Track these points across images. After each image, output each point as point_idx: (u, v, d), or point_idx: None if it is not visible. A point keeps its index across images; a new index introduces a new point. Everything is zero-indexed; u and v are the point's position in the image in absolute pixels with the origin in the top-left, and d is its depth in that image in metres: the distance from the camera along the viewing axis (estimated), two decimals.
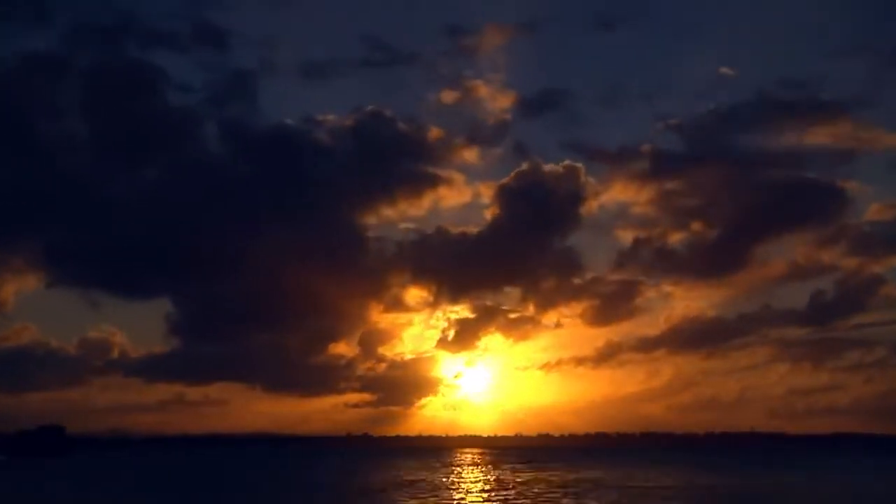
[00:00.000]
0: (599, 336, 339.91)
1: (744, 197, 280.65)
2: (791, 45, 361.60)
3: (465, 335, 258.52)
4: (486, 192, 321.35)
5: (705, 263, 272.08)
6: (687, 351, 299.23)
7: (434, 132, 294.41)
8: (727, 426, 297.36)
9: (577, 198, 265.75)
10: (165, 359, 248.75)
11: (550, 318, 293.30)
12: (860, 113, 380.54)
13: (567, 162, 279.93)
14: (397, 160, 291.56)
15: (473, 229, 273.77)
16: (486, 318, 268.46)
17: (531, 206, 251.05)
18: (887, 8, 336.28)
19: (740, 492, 71.72)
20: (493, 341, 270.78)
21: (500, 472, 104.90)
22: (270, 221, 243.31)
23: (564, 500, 61.24)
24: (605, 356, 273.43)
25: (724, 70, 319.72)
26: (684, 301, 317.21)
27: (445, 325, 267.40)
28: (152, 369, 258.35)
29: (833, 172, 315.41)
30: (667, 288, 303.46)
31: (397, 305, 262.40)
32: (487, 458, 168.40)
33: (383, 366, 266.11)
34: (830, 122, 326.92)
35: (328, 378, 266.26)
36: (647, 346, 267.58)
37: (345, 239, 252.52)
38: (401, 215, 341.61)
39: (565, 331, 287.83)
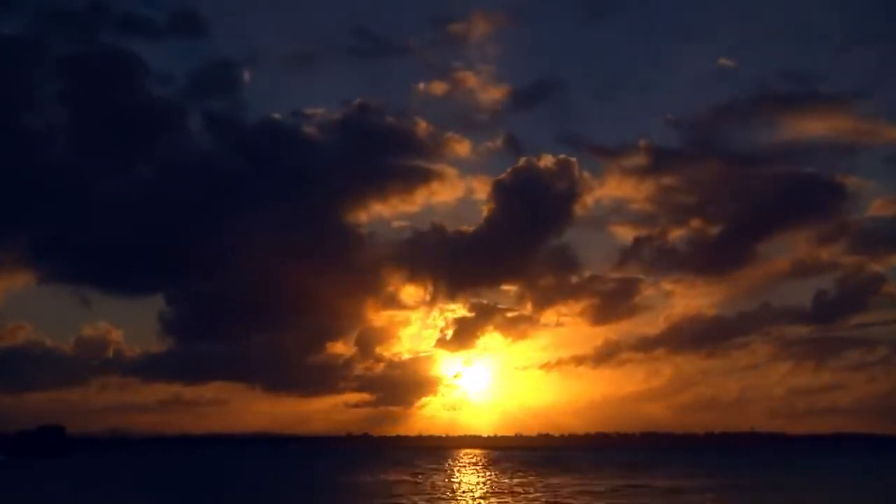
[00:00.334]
0: (599, 335, 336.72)
1: (744, 193, 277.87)
2: (792, 37, 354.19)
3: (463, 334, 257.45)
4: (481, 188, 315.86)
5: (705, 261, 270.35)
6: (687, 350, 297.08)
7: (425, 126, 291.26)
8: (727, 426, 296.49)
9: (573, 194, 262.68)
10: (163, 358, 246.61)
11: (549, 316, 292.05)
12: (862, 106, 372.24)
13: (562, 157, 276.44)
14: (388, 155, 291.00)
15: (469, 227, 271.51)
16: (484, 317, 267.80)
17: (528, 203, 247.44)
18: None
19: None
20: (491, 340, 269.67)
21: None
22: (261, 218, 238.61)
23: None
24: (605, 356, 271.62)
25: (724, 62, 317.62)
26: (684, 299, 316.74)
27: (443, 324, 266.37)
28: (150, 368, 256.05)
29: (835, 167, 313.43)
30: (666, 286, 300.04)
31: (394, 304, 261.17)
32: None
33: (382, 365, 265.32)
34: (832, 116, 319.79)
35: (327, 378, 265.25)
36: (646, 345, 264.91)
37: (340, 236, 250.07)
38: (394, 211, 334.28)
39: (564, 330, 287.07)
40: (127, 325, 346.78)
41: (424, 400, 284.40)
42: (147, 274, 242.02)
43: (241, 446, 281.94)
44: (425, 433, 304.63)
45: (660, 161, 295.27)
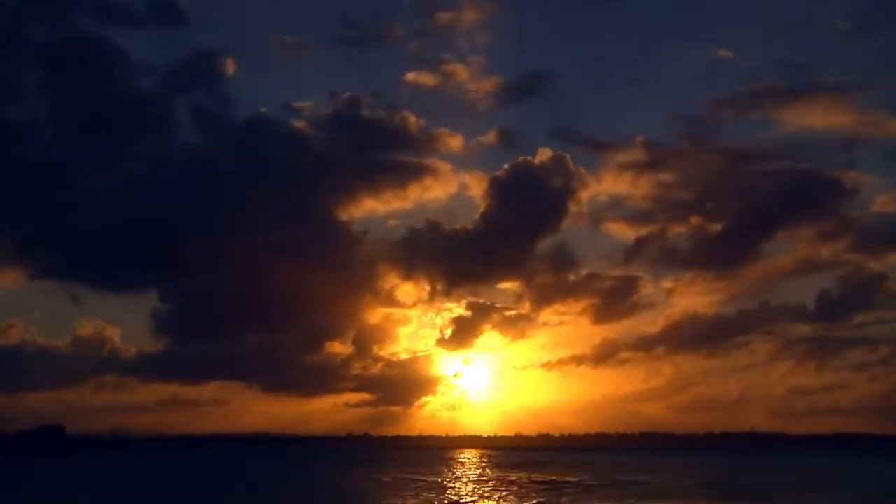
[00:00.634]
0: (598, 334, 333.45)
1: (744, 189, 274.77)
2: (791, 28, 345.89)
3: (462, 334, 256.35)
4: (474, 183, 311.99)
5: (705, 259, 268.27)
6: (687, 349, 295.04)
7: (417, 120, 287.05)
8: (728, 426, 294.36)
9: (569, 191, 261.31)
10: (159, 357, 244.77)
11: (548, 315, 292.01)
12: (864, 98, 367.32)
13: (557, 153, 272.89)
14: (380, 150, 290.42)
15: (464, 223, 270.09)
16: (482, 316, 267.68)
17: (524, 200, 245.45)
18: None
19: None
20: (490, 340, 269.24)
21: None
22: (253, 215, 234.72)
23: None
24: (605, 355, 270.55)
25: (724, 53, 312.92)
26: (683, 298, 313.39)
27: (442, 323, 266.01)
28: (147, 368, 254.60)
29: (836, 162, 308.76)
30: (666, 284, 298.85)
31: (391, 302, 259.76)
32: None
33: (380, 365, 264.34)
34: (833, 109, 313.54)
35: (326, 377, 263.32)
36: (646, 344, 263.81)
37: (335, 233, 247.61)
38: (387, 207, 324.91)
39: (564, 329, 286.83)
40: (119, 322, 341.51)
41: (424, 400, 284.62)
42: (137, 271, 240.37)
43: (242, 446, 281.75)
44: (425, 433, 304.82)
45: (657, 156, 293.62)
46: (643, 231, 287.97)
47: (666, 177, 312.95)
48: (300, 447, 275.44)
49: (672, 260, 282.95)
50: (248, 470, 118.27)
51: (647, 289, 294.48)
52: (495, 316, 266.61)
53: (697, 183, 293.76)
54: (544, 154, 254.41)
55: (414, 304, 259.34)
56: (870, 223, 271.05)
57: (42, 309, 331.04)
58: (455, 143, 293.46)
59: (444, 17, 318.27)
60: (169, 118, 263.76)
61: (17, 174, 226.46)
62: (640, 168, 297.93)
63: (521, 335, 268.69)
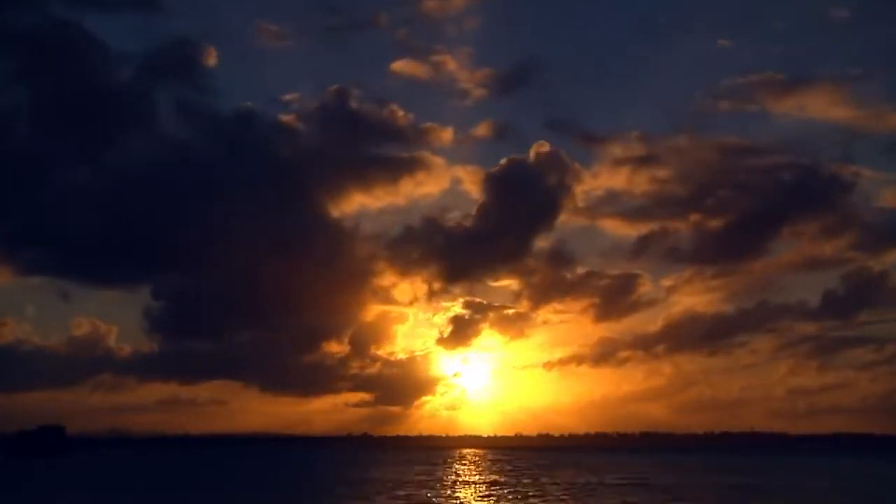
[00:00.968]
0: (598, 333, 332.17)
1: (744, 184, 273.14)
2: (792, 17, 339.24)
3: (460, 333, 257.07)
4: (468, 178, 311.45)
5: (704, 256, 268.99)
6: (688, 349, 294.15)
7: (409, 114, 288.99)
8: (730, 426, 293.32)
9: (565, 188, 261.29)
10: (155, 356, 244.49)
11: (547, 314, 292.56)
12: (865, 90, 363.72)
13: (552, 149, 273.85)
14: (371, 145, 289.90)
15: (458, 220, 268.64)
16: (480, 315, 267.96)
17: (519, 197, 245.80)
18: None
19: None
20: (489, 339, 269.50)
21: None
22: (244, 211, 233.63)
23: None
24: (605, 354, 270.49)
25: (724, 43, 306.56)
26: (683, 296, 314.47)
27: (441, 322, 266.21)
28: (143, 367, 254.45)
29: (838, 156, 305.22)
30: (665, 282, 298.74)
31: (388, 300, 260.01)
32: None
33: (379, 364, 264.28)
34: (834, 101, 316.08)
35: (324, 377, 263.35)
36: (646, 343, 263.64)
37: (330, 230, 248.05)
38: (381, 203, 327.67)
39: (563, 327, 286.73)
40: (111, 319, 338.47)
41: (423, 399, 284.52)
42: (127, 267, 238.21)
43: (242, 446, 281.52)
44: (425, 433, 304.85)
45: (654, 150, 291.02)
46: (641, 228, 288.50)
47: (663, 172, 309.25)
48: (300, 447, 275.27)
49: (671, 257, 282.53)
50: (248, 470, 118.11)
51: (646, 287, 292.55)
52: (493, 315, 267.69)
53: (695, 178, 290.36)
54: (539, 148, 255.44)
55: (410, 303, 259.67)
56: (872, 219, 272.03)
57: (33, 306, 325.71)
58: (446, 136, 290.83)
59: (430, 4, 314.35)
60: (151, 110, 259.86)
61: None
62: (637, 163, 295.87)
63: (520, 334, 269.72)
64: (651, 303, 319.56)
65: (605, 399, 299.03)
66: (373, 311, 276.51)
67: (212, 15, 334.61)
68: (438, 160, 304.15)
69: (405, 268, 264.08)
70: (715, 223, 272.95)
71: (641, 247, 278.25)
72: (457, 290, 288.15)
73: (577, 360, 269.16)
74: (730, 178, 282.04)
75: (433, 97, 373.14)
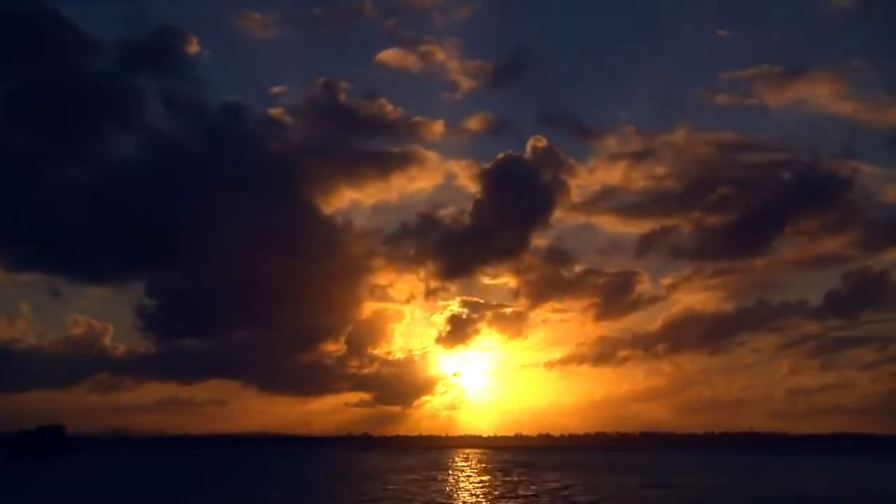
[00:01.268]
0: (597, 332, 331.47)
1: (744, 181, 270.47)
2: (792, 6, 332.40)
3: (459, 332, 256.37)
4: (462, 172, 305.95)
5: (704, 254, 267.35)
6: (688, 348, 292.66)
7: (393, 108, 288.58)
8: (730, 426, 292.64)
9: (561, 184, 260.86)
10: (152, 356, 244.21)
11: (546, 313, 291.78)
12: (865, 83, 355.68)
13: (548, 144, 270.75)
14: (361, 139, 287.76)
15: (453, 215, 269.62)
16: (478, 314, 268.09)
17: (514, 194, 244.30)
18: None
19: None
20: (488, 338, 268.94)
21: None
22: (235, 207, 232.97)
23: None
24: (605, 354, 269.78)
25: (722, 33, 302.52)
26: (683, 294, 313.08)
27: (439, 321, 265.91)
28: (140, 367, 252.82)
29: (837, 151, 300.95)
30: (665, 281, 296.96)
31: (384, 298, 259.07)
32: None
33: (377, 364, 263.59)
34: (834, 93, 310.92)
35: (323, 376, 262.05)
36: (646, 342, 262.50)
37: (326, 228, 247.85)
38: (375, 199, 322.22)
39: (563, 326, 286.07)
40: (99, 315, 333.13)
41: (423, 399, 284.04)
42: (117, 264, 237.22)
43: (242, 446, 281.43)
44: (425, 433, 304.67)
45: (650, 145, 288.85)
46: (638, 225, 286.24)
47: (660, 168, 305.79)
48: (300, 447, 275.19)
49: (670, 255, 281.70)
50: (248, 470, 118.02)
51: (645, 285, 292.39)
52: (492, 314, 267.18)
53: (693, 174, 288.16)
54: (536, 143, 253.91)
55: (407, 300, 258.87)
56: (874, 216, 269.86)
57: (25, 303, 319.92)
58: (437, 129, 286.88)
59: None
60: (136, 102, 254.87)
61: None
62: (634, 158, 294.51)
63: (519, 333, 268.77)
64: (651, 301, 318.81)
65: (605, 399, 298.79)
66: (369, 308, 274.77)
67: (194, 3, 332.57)
68: (431, 155, 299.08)
69: (401, 264, 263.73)
70: (714, 220, 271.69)
71: (640, 244, 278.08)
72: (454, 287, 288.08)
73: (578, 359, 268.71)
74: (729, 174, 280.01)
75: (422, 89, 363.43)
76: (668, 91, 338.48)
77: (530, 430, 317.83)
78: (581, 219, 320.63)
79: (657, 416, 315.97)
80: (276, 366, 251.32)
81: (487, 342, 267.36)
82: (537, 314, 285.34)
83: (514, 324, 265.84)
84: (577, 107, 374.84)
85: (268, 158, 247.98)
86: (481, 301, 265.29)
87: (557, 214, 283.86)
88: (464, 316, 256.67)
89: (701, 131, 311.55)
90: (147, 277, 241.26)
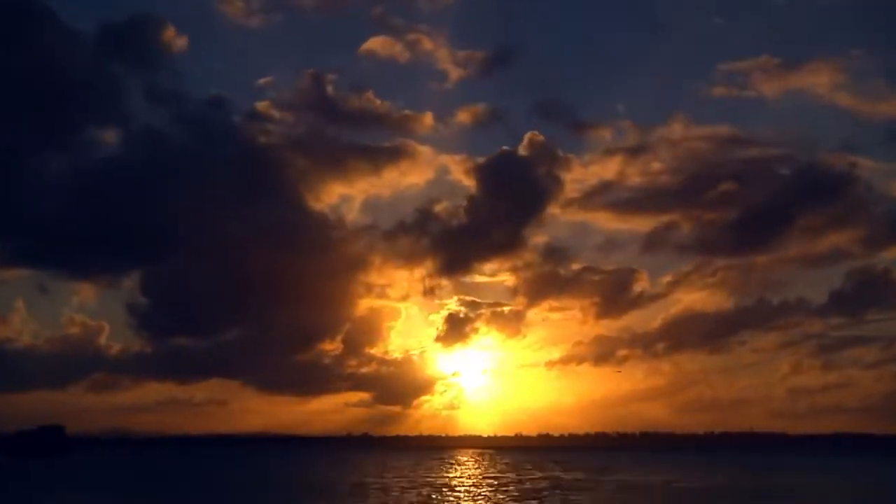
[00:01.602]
0: (596, 331, 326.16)
1: (743, 176, 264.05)
2: None
3: (457, 331, 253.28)
4: (455, 167, 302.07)
5: (704, 252, 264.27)
6: (689, 347, 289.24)
7: (381, 102, 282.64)
8: (730, 426, 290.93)
9: (557, 179, 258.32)
10: (148, 355, 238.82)
11: (544, 312, 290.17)
12: (866, 74, 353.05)
13: (544, 138, 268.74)
14: (351, 133, 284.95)
15: (448, 210, 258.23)
16: (476, 314, 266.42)
17: (511, 188, 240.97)
18: None
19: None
20: (486, 338, 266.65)
21: None
22: (227, 204, 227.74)
23: None
24: (604, 353, 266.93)
25: (719, 21, 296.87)
26: (683, 293, 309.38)
27: (437, 320, 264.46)
28: (137, 366, 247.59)
29: (842, 146, 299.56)
30: (664, 279, 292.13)
31: (381, 295, 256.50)
32: None
33: (375, 363, 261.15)
34: (834, 86, 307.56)
35: (321, 376, 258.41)
36: (646, 341, 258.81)
37: (323, 226, 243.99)
38: (367, 195, 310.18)
39: (562, 325, 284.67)
40: (91, 313, 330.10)
41: (422, 399, 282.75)
42: (101, 260, 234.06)
43: (242, 446, 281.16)
44: (425, 433, 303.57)
45: (646, 139, 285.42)
46: (635, 222, 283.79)
47: (656, 164, 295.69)
48: (300, 447, 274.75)
49: (669, 253, 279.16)
50: (248, 470, 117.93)
51: (644, 283, 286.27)
52: (490, 312, 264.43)
53: (691, 169, 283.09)
54: (532, 137, 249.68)
55: (403, 298, 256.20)
56: (877, 212, 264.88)
57: (17, 300, 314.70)
58: (426, 121, 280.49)
59: None
60: (116, 93, 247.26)
61: None
62: (630, 153, 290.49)
63: (517, 332, 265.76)
64: (650, 300, 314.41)
65: (605, 399, 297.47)
66: (365, 306, 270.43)
67: None
68: (423, 149, 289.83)
69: (396, 261, 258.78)
70: (714, 216, 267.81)
71: (639, 242, 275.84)
72: (450, 285, 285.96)
73: (578, 359, 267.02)
74: (727, 169, 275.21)
75: (410, 79, 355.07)
76: (665, 82, 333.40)
77: (530, 430, 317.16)
78: (577, 215, 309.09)
79: (657, 415, 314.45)
80: (273, 365, 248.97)
81: (486, 341, 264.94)
82: (535, 313, 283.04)
83: (512, 322, 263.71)
84: (570, 98, 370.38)
85: (256, 154, 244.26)
86: (479, 299, 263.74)
87: (553, 210, 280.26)
88: (461, 314, 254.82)
89: (698, 124, 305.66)
90: (137, 275, 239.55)
